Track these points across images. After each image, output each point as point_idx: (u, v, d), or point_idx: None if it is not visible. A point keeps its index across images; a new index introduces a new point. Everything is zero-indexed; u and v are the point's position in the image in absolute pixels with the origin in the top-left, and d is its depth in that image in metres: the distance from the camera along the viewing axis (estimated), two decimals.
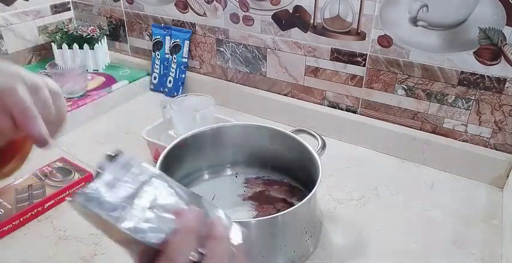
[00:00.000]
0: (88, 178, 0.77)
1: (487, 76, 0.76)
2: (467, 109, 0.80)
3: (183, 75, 1.11)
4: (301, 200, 0.56)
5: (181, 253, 0.32)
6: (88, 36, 1.13)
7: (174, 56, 1.10)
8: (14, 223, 0.67)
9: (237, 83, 1.07)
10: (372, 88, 0.88)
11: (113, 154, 0.36)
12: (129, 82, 1.12)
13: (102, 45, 1.18)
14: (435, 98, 0.82)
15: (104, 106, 1.04)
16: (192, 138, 0.70)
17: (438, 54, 0.78)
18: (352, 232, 0.69)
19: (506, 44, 0.72)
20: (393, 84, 0.85)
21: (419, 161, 0.86)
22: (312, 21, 0.88)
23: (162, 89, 1.15)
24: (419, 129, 0.87)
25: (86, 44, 1.13)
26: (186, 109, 0.81)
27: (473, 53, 0.75)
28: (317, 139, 0.70)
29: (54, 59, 1.14)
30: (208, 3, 1.00)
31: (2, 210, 0.68)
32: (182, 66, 1.10)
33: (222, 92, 1.05)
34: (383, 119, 0.90)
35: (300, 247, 0.61)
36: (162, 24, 1.11)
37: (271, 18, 0.93)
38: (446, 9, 0.74)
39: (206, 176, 0.76)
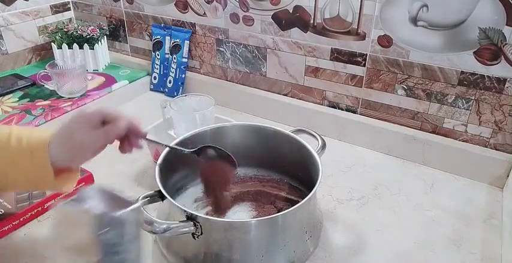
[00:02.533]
0: (88, 178, 0.77)
1: (487, 76, 0.76)
2: (467, 109, 0.80)
3: (183, 75, 1.11)
4: (301, 200, 0.56)
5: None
6: (88, 36, 1.13)
7: (174, 56, 1.10)
8: (14, 223, 0.67)
9: (237, 83, 1.07)
10: (371, 88, 0.88)
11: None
12: (129, 82, 1.12)
13: (102, 45, 1.18)
14: (435, 98, 0.82)
15: (104, 106, 1.04)
16: (192, 138, 0.70)
17: (438, 54, 0.78)
18: (352, 232, 0.69)
19: (506, 44, 0.72)
20: (393, 84, 0.85)
21: (419, 161, 0.86)
22: (312, 21, 0.88)
23: (162, 89, 1.15)
24: (419, 130, 0.87)
25: (86, 44, 1.13)
26: (186, 109, 0.81)
27: (473, 53, 0.75)
28: (317, 139, 0.70)
29: (54, 59, 1.14)
30: (208, 3, 1.00)
31: (2, 210, 0.68)
32: (182, 66, 1.10)
33: (222, 92, 1.05)
34: (383, 119, 0.90)
35: (300, 247, 0.61)
36: (162, 24, 1.11)
37: (271, 18, 0.93)
38: (446, 9, 0.74)
39: None
